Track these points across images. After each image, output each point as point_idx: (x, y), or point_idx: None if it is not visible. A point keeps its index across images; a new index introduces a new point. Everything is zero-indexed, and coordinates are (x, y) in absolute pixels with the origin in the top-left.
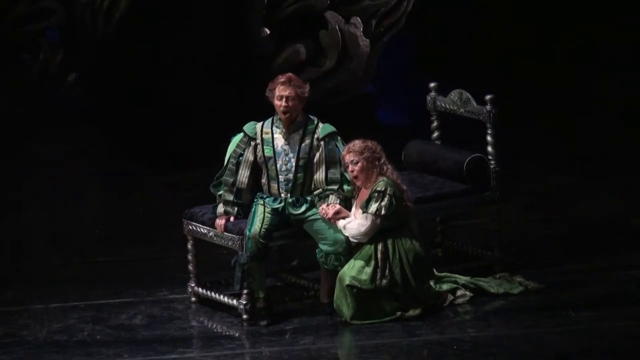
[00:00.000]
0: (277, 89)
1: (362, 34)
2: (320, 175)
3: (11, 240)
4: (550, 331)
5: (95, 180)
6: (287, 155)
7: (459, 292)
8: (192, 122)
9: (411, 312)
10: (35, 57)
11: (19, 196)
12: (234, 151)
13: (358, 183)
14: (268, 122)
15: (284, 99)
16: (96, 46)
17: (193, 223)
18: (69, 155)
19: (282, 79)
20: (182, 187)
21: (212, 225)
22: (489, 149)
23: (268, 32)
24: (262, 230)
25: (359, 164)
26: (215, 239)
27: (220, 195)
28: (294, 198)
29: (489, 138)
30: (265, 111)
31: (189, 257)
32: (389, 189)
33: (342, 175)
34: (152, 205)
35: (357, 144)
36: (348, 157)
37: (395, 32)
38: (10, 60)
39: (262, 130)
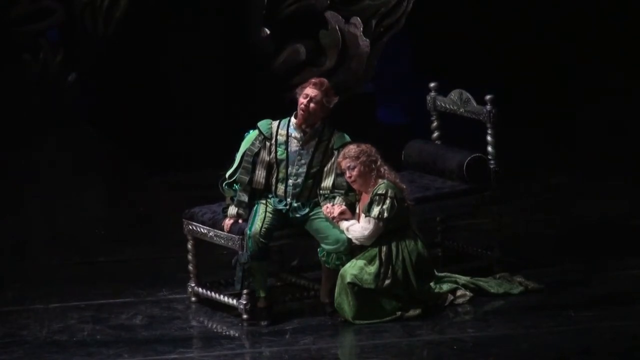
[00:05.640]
0: (306, 88)
1: (362, 34)
2: (327, 182)
3: (11, 240)
4: (550, 331)
5: (96, 181)
6: (299, 160)
7: (459, 292)
8: (192, 122)
9: (411, 312)
10: (35, 57)
11: (19, 196)
12: (249, 149)
13: (355, 187)
14: (284, 122)
15: (307, 98)
16: (96, 46)
17: (193, 223)
18: (69, 156)
19: (314, 80)
20: (182, 187)
21: (212, 225)
22: (489, 149)
23: (268, 32)
24: (263, 229)
25: (356, 169)
26: (215, 239)
27: (233, 197)
28: (299, 203)
29: (489, 138)
30: (266, 111)
31: (189, 257)
32: (389, 192)
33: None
34: (152, 205)
35: (352, 149)
36: (344, 163)
37: (395, 32)
38: (10, 60)
39: (277, 131)
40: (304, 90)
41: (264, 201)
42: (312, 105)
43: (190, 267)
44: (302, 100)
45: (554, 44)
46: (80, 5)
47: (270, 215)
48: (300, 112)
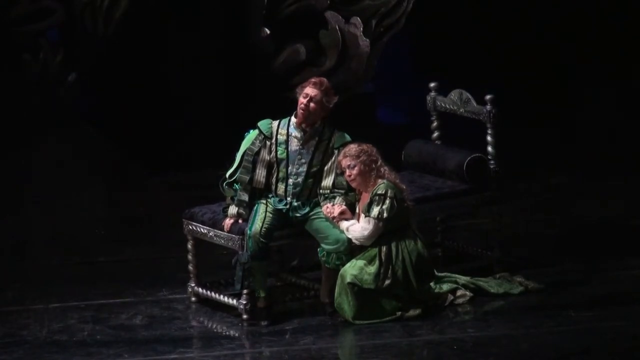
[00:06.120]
0: (306, 87)
1: (362, 34)
2: (328, 182)
3: (11, 240)
4: (550, 331)
5: (96, 181)
6: (300, 159)
7: (459, 292)
8: (192, 122)
9: (411, 312)
10: (35, 57)
11: (19, 196)
12: (249, 148)
13: (355, 186)
14: (284, 122)
15: (307, 98)
16: (96, 46)
17: (193, 223)
18: (69, 155)
19: (314, 79)
20: (182, 187)
21: (212, 225)
22: (489, 149)
23: (268, 32)
24: (263, 229)
25: (356, 168)
26: (215, 239)
27: (233, 197)
28: (299, 202)
29: (489, 138)
30: (266, 111)
31: (189, 257)
32: (389, 192)
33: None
34: (152, 205)
35: (352, 148)
36: (345, 162)
37: (395, 32)
38: (10, 60)
39: (277, 131)
40: (303, 89)
41: (264, 201)
42: (312, 104)
43: (190, 267)
44: (302, 100)
45: (554, 44)
46: (80, 5)
47: (271, 215)
48: (300, 112)
